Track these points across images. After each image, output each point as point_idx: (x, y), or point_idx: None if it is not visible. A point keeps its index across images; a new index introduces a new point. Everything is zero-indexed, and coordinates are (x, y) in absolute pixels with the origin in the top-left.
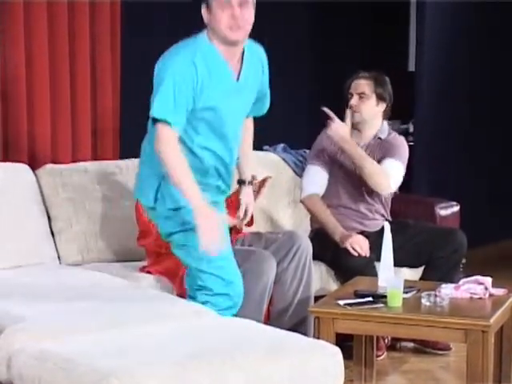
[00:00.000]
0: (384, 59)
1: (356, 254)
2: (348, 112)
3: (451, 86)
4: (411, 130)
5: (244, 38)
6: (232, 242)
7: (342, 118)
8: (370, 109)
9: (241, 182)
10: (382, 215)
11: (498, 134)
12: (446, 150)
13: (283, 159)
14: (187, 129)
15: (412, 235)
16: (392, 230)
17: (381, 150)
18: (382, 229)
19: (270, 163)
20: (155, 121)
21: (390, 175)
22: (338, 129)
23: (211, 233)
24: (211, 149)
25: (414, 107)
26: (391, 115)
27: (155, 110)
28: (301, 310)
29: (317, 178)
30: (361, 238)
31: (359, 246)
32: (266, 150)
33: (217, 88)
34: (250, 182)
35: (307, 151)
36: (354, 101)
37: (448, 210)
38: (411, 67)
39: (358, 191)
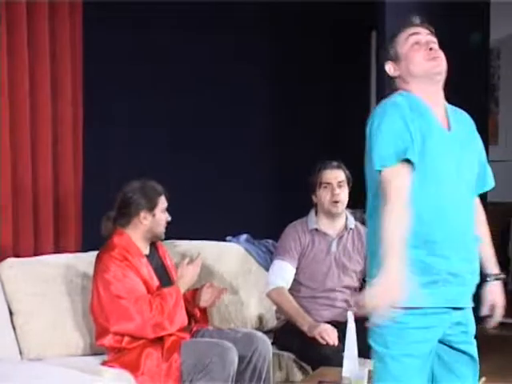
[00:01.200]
0: (346, 145)
1: (324, 343)
2: (321, 203)
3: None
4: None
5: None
6: (191, 334)
7: (305, 207)
8: (346, 197)
9: (486, 276)
10: (350, 304)
11: None
12: None
13: (247, 250)
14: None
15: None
16: (359, 320)
17: (350, 240)
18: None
19: (234, 254)
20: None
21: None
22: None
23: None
24: None
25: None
26: (356, 204)
27: (377, 163)
28: None
29: (283, 272)
30: (329, 327)
31: (327, 334)
32: (229, 241)
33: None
34: (498, 277)
35: (270, 241)
36: (337, 191)
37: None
38: None
39: (327, 282)
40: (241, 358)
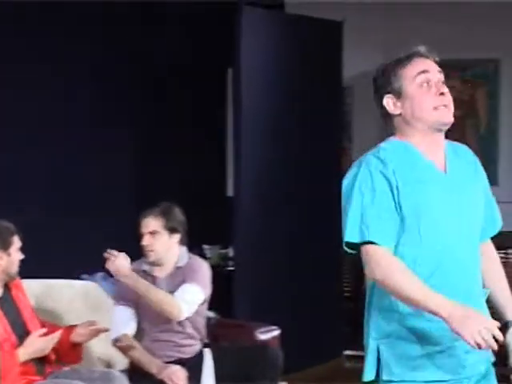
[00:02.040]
0: (203, 185)
1: None
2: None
3: (270, 211)
4: (231, 254)
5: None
6: (44, 375)
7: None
8: (163, 244)
9: (507, 324)
10: (197, 339)
11: (318, 258)
12: (267, 274)
13: (102, 287)
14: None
15: (229, 357)
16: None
17: (181, 277)
18: (200, 353)
19: (89, 293)
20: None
21: (182, 301)
22: (116, 263)
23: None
24: None
25: (233, 232)
26: (211, 240)
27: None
28: None
29: (125, 317)
30: (177, 368)
31: (176, 376)
32: (85, 279)
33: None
34: None
35: None
36: (145, 241)
37: (268, 334)
38: (229, 192)
39: (165, 321)
40: None
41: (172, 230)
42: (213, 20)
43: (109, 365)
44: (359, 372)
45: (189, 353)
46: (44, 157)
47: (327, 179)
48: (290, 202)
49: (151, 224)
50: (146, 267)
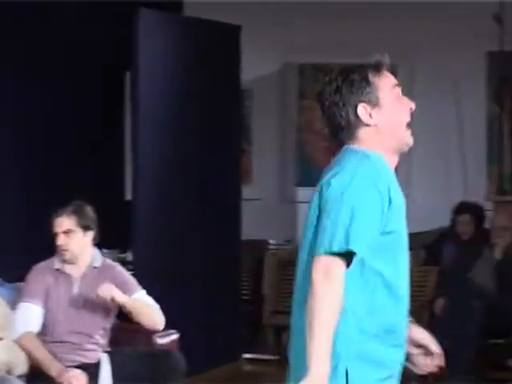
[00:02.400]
0: (101, 189)
1: None
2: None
3: (169, 213)
4: (129, 258)
5: None
6: None
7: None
8: (78, 243)
9: None
10: (101, 346)
11: (217, 260)
12: (166, 277)
13: None
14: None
15: (131, 362)
16: (113, 361)
17: (99, 279)
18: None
19: None
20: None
21: (156, 307)
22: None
23: None
24: None
25: (132, 236)
26: (109, 244)
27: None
28: None
29: (30, 316)
30: (77, 372)
31: (76, 380)
32: None
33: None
34: None
35: (22, 284)
36: (60, 240)
37: (167, 338)
38: (128, 196)
39: (77, 325)
40: None
41: (86, 228)
42: (111, 22)
43: (8, 370)
44: (258, 375)
45: (92, 358)
46: None
47: (226, 181)
48: (190, 204)
49: (65, 223)
50: (58, 265)
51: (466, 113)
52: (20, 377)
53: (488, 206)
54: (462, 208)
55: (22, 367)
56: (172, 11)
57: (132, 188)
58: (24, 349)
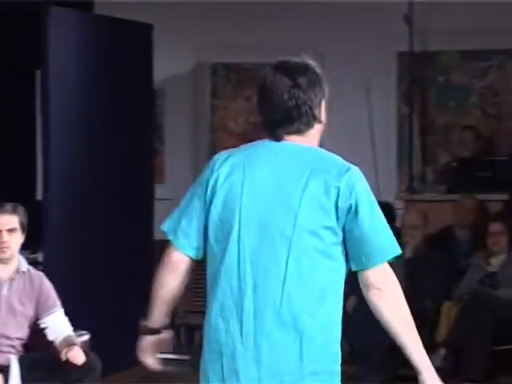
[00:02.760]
0: (12, 189)
1: None
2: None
3: (80, 213)
4: (40, 259)
5: None
6: None
7: None
8: (18, 242)
9: None
10: (17, 350)
11: (129, 262)
12: (78, 277)
13: None
14: None
15: (43, 365)
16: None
17: (30, 286)
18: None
19: None
20: None
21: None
22: None
23: None
24: None
25: (43, 236)
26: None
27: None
28: None
29: None
30: None
31: None
32: None
33: None
34: None
35: None
36: (5, 238)
37: (78, 339)
38: (39, 196)
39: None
40: None
41: (23, 229)
42: (22, 20)
43: None
44: (170, 375)
45: (6, 360)
46: None
47: (139, 180)
48: (102, 204)
49: (9, 221)
50: None
51: (376, 112)
52: None
53: (399, 205)
54: None
55: None
56: (83, 10)
57: (43, 188)
58: None
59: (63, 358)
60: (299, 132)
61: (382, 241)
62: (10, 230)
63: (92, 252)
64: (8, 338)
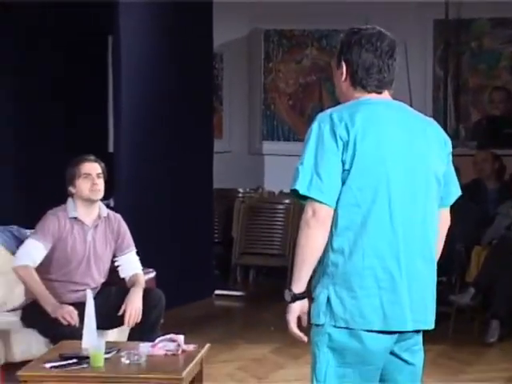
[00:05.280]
0: (87, 143)
1: (66, 324)
2: (81, 192)
3: (148, 165)
4: (111, 204)
5: None
6: None
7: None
8: (103, 187)
9: None
10: (97, 288)
11: (192, 207)
12: (146, 221)
13: None
14: None
15: (112, 299)
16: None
17: (109, 229)
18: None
19: None
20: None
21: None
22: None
23: None
24: None
25: (115, 184)
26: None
27: None
28: None
29: (34, 252)
30: (71, 309)
31: (69, 316)
32: None
33: None
34: None
35: (15, 227)
36: (97, 181)
37: (145, 277)
38: (111, 149)
39: (84, 269)
40: None
41: (104, 176)
42: None
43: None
44: (228, 309)
45: (83, 297)
46: None
47: (200, 136)
48: (167, 156)
49: (98, 167)
50: (74, 214)
51: (414, 75)
52: (14, 310)
53: None
54: None
55: (16, 302)
56: None
57: (114, 142)
58: (22, 279)
59: (121, 312)
60: (389, 91)
61: (456, 184)
62: (98, 175)
63: (158, 199)
64: (92, 280)
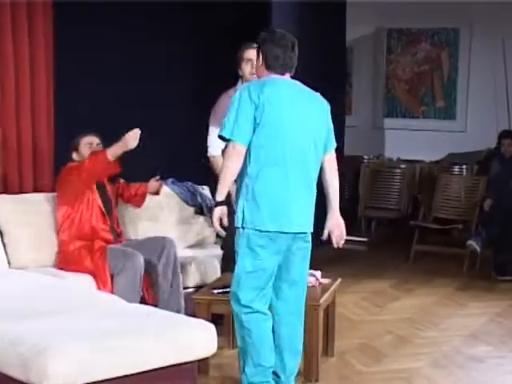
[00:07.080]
0: None
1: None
2: (244, 75)
3: None
4: None
5: None
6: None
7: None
8: None
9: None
10: None
11: None
12: None
13: (172, 190)
14: None
15: None
16: None
17: None
18: None
19: (163, 193)
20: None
21: None
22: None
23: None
24: None
25: None
26: None
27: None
28: (176, 298)
29: (219, 141)
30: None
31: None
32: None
33: None
34: None
35: (189, 183)
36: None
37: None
38: None
39: None
40: (153, 256)
41: None
42: None
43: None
44: (355, 252)
45: None
46: None
47: (334, 112)
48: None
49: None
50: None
51: (511, 70)
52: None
53: None
54: (505, 134)
55: (191, 241)
56: None
57: None
58: (214, 169)
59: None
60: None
61: (333, 137)
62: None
63: None
64: None
